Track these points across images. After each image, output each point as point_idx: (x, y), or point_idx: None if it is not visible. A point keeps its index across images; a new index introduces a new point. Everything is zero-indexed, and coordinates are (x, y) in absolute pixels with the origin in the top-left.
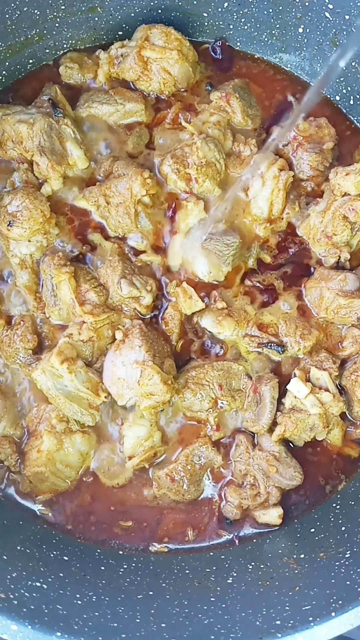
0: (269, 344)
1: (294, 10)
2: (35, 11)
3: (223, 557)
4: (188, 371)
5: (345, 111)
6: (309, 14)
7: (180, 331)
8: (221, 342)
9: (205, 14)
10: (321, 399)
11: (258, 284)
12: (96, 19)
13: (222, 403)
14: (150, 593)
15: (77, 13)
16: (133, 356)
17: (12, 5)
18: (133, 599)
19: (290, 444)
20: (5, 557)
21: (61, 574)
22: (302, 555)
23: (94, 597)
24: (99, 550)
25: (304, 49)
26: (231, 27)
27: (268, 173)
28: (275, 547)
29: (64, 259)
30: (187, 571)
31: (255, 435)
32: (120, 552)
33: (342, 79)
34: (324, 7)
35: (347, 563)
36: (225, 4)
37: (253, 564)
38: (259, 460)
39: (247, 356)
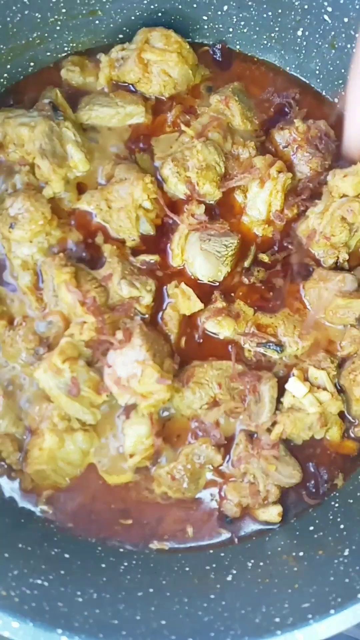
0: (268, 344)
1: (292, 13)
2: (37, 14)
3: (223, 554)
4: (187, 370)
5: (344, 113)
6: (308, 17)
7: (179, 331)
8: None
9: (204, 17)
10: (319, 398)
11: (260, 285)
12: (97, 22)
13: (220, 402)
14: (151, 590)
15: (78, 16)
16: (133, 355)
17: (14, 8)
18: (133, 596)
19: (291, 443)
20: (6, 555)
21: (62, 572)
22: (301, 553)
23: (95, 595)
24: (99, 548)
25: (303, 51)
26: (230, 30)
27: (266, 175)
28: (274, 545)
29: (65, 259)
30: (187, 569)
31: (255, 434)
32: (121, 550)
33: (340, 82)
34: (322, 10)
35: (345, 561)
36: (225, 8)
37: (252, 561)
38: (258, 458)
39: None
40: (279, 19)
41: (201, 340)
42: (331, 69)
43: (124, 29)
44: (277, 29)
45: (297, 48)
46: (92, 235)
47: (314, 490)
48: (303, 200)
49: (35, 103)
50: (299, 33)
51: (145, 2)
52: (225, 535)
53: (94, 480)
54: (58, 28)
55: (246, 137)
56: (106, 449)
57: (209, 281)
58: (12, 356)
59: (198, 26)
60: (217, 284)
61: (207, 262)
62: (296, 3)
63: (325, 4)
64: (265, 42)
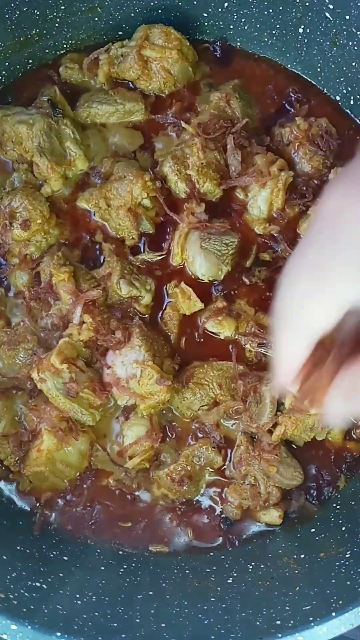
0: (269, 344)
1: (294, 10)
2: (35, 11)
3: (223, 557)
4: (188, 371)
5: (346, 111)
6: (309, 14)
7: (179, 331)
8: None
9: (205, 14)
10: None
11: (262, 285)
12: (96, 19)
13: (221, 403)
14: (150, 593)
15: (77, 13)
16: (133, 356)
17: (12, 5)
18: (133, 599)
19: (293, 444)
20: (4, 557)
21: (61, 574)
22: (302, 555)
23: (94, 597)
24: (98, 550)
25: (304, 49)
26: (231, 27)
27: (267, 173)
28: (275, 547)
29: (63, 259)
30: (187, 571)
31: (256, 435)
32: (120, 552)
33: (342, 79)
34: (324, 7)
35: (347, 563)
36: (225, 4)
37: (253, 564)
38: (260, 460)
39: None
40: (280, 16)
41: (201, 341)
42: (333, 66)
43: (124, 25)
44: (278, 26)
45: (299, 45)
46: (91, 234)
47: (315, 492)
48: (305, 200)
49: (34, 101)
50: (300, 30)
51: None
52: (226, 537)
53: (93, 482)
54: (57, 25)
55: (247, 135)
56: (105, 451)
57: (209, 280)
58: (10, 356)
59: (198, 23)
60: (218, 283)
61: (208, 261)
62: (297, 0)
63: (327, 0)
64: (266, 39)
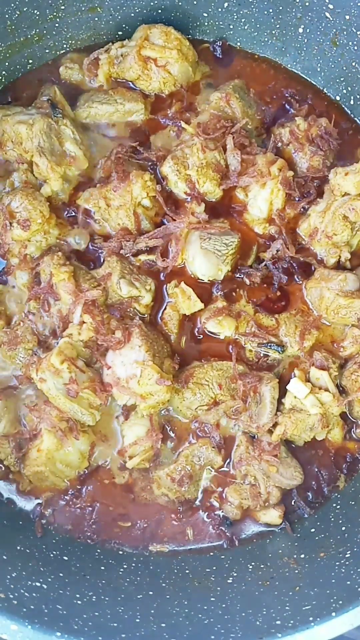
0: (269, 344)
1: (294, 10)
2: (35, 11)
3: (223, 557)
4: (188, 371)
5: (346, 111)
6: (309, 14)
7: (179, 331)
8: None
9: (205, 14)
10: (321, 398)
11: (262, 284)
12: (96, 19)
13: (221, 402)
14: (150, 593)
15: (77, 13)
16: (133, 356)
17: (12, 5)
18: (133, 599)
19: (292, 444)
20: (5, 557)
21: (61, 574)
22: (302, 555)
23: (94, 597)
24: (98, 550)
25: (304, 49)
26: (231, 27)
27: (267, 173)
28: (275, 547)
29: (63, 259)
30: (187, 571)
31: (256, 435)
32: (120, 552)
33: (342, 79)
34: (324, 7)
35: (347, 563)
36: (225, 4)
37: (253, 563)
38: (259, 460)
39: None
40: (280, 16)
41: (201, 341)
42: (332, 66)
43: (124, 25)
44: (278, 26)
45: (298, 45)
46: (91, 233)
47: (315, 491)
48: (305, 200)
49: (34, 100)
50: (300, 30)
51: None
52: (226, 537)
53: (92, 482)
54: (57, 25)
55: (247, 135)
56: (105, 451)
57: (209, 280)
58: (11, 357)
59: (198, 23)
60: (218, 283)
61: (207, 261)
62: (297, 0)
63: (327, 1)
64: (266, 39)
